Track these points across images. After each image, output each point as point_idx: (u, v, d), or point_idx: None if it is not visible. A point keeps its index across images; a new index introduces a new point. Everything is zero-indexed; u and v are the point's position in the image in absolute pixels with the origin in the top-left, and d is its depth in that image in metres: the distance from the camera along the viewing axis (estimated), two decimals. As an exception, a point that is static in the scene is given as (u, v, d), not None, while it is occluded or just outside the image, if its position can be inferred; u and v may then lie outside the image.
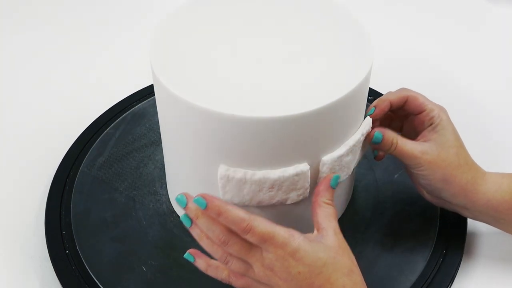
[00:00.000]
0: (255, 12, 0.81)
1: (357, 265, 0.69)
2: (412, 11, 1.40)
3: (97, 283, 0.79)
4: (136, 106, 1.06)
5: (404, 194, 0.91)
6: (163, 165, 0.92)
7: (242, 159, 0.71)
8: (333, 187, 0.73)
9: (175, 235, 0.85)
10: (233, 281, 0.71)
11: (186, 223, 0.70)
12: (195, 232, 0.70)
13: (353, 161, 0.78)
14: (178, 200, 0.69)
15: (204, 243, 0.70)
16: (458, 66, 1.22)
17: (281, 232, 0.66)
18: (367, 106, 0.81)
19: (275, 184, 0.72)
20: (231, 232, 0.67)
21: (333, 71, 0.73)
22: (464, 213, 0.82)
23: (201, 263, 0.72)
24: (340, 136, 0.74)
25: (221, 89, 0.70)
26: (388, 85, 0.89)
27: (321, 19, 0.80)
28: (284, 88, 0.70)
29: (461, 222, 0.87)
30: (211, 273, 0.72)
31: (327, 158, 0.73)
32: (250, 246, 0.67)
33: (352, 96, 0.70)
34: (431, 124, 0.78)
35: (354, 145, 0.75)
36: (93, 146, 0.97)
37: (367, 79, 0.74)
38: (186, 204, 0.68)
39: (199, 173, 0.76)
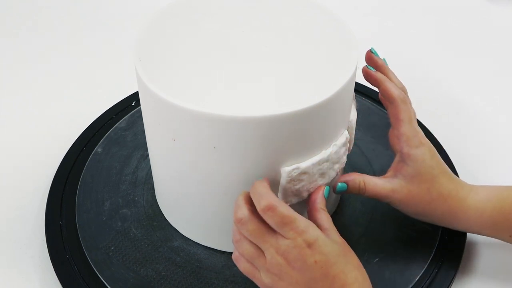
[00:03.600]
0: (239, 14, 0.85)
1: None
2: (412, 10, 1.46)
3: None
4: (122, 120, 1.08)
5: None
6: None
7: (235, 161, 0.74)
8: (326, 197, 0.77)
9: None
10: (241, 262, 0.74)
11: None
12: None
13: (331, 169, 0.79)
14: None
15: None
16: (458, 66, 1.27)
17: (302, 219, 0.69)
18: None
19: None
20: (252, 212, 0.71)
21: (318, 72, 0.76)
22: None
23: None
24: (316, 142, 0.76)
25: (207, 91, 0.73)
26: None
27: (307, 21, 0.84)
28: (266, 89, 0.74)
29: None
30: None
31: (286, 169, 0.75)
32: (267, 230, 0.70)
33: (334, 98, 0.73)
34: (399, 151, 0.80)
35: (324, 159, 0.77)
36: (83, 165, 0.99)
37: (351, 80, 0.76)
38: None
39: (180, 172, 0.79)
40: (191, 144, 0.74)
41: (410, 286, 0.83)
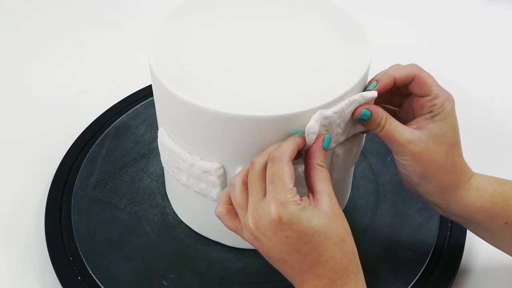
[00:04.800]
0: (252, 12, 0.86)
1: (350, 234, 0.70)
2: (412, 10, 1.47)
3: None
4: (117, 121, 1.09)
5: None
6: (159, 177, 0.98)
7: (245, 158, 0.75)
8: (326, 148, 0.73)
9: (188, 245, 0.89)
10: (225, 219, 0.74)
11: None
12: None
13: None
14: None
15: None
16: (457, 66, 1.29)
17: (289, 189, 0.67)
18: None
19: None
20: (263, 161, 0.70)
21: (331, 71, 0.77)
22: (436, 209, 0.82)
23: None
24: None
25: (220, 88, 0.74)
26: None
27: (319, 19, 0.85)
28: (282, 87, 0.75)
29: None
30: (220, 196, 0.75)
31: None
32: (264, 187, 0.69)
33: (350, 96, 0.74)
34: (430, 112, 0.75)
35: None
36: (81, 167, 1.00)
37: (364, 79, 0.77)
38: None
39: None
40: (210, 144, 0.76)
41: (409, 286, 0.85)
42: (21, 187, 1.01)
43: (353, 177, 0.96)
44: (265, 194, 0.68)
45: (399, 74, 0.76)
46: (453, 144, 0.76)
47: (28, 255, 0.91)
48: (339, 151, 0.79)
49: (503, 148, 1.10)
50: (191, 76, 0.76)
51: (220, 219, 0.74)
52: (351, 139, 0.80)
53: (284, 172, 0.67)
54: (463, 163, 0.78)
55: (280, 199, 0.66)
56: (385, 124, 0.76)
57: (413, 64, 0.77)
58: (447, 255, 0.88)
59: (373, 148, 1.02)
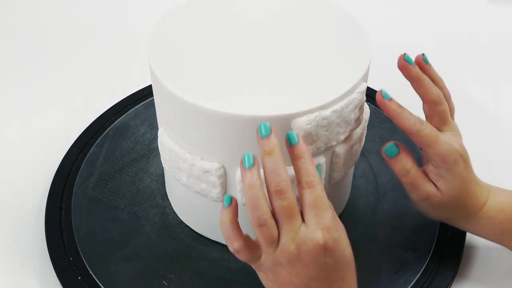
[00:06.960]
0: (252, 12, 0.86)
1: None
2: (412, 10, 1.48)
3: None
4: (116, 121, 1.09)
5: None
6: (159, 177, 0.98)
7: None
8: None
9: (188, 245, 0.89)
10: (244, 254, 0.69)
11: (248, 163, 0.67)
12: (249, 174, 0.67)
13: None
14: (260, 128, 0.67)
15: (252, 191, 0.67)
16: (457, 65, 1.29)
17: (332, 212, 0.68)
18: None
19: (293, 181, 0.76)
20: (290, 184, 0.67)
21: (331, 71, 0.77)
22: None
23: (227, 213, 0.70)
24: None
25: (220, 88, 0.75)
26: (387, 86, 0.93)
27: (320, 19, 0.86)
28: (281, 87, 0.75)
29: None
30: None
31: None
32: (296, 211, 0.67)
33: (349, 95, 0.75)
34: (435, 165, 0.77)
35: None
36: (81, 167, 1.00)
37: (364, 79, 0.78)
38: (269, 135, 0.67)
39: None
40: (210, 144, 0.76)
41: (409, 286, 0.85)
42: (21, 187, 1.01)
43: (353, 177, 0.96)
44: (303, 220, 0.67)
45: (404, 126, 0.77)
46: (462, 191, 0.78)
47: (28, 255, 0.91)
48: (339, 150, 0.79)
49: (503, 148, 1.10)
50: (191, 76, 0.76)
51: (239, 254, 0.70)
52: (351, 138, 0.81)
53: (324, 196, 0.67)
54: (475, 197, 0.80)
55: (325, 224, 0.66)
56: (409, 173, 0.78)
57: (418, 119, 0.77)
58: (447, 255, 0.88)
59: (373, 148, 1.02)
